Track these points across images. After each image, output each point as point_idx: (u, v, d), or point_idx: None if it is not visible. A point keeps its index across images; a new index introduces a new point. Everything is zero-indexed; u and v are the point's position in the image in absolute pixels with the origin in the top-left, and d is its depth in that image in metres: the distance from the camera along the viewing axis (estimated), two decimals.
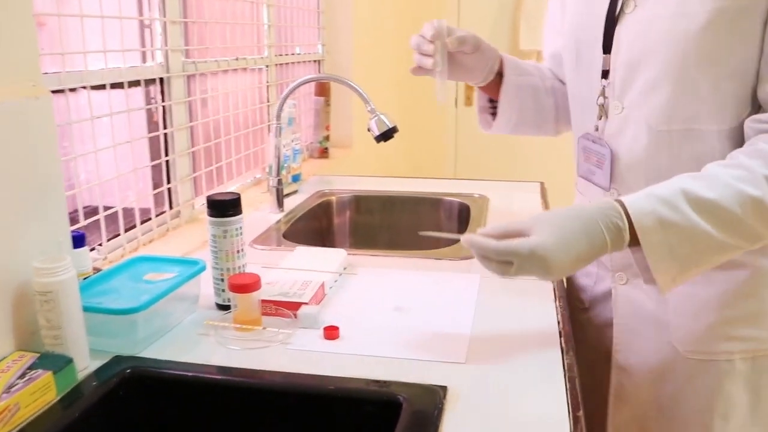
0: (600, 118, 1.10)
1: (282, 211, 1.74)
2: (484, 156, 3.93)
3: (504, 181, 2.10)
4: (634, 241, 0.88)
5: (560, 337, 1.03)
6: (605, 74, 1.08)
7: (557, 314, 1.11)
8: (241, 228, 1.09)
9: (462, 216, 1.86)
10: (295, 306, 1.06)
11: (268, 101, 2.12)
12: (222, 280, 1.10)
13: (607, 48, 1.07)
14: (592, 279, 1.24)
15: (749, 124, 0.97)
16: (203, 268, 1.09)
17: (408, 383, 0.88)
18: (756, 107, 0.98)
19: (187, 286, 1.05)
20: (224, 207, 1.07)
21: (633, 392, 1.15)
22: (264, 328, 1.02)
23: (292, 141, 2.01)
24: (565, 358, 0.97)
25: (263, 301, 1.06)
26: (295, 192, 1.95)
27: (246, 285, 1.01)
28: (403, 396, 0.84)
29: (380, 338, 1.01)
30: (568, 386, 0.89)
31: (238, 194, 1.10)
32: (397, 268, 1.31)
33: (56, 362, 0.86)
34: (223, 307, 1.11)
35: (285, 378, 0.90)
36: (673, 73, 0.99)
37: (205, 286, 1.12)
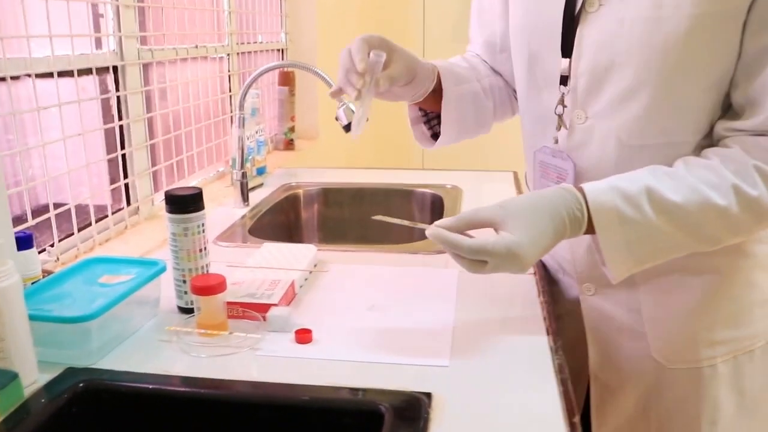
0: (559, 129, 1.00)
1: (247, 205, 1.67)
2: (452, 146, 3.85)
3: (475, 170, 2.04)
4: (592, 229, 0.88)
5: (548, 335, 0.97)
6: (564, 80, 0.97)
7: (542, 311, 1.05)
8: (203, 225, 1.01)
9: (435, 207, 1.80)
10: (263, 308, 0.99)
11: (230, 91, 2.03)
12: (184, 281, 1.02)
13: (566, 51, 0.96)
14: (559, 287, 1.18)
15: (721, 131, 0.92)
16: (163, 269, 1.01)
17: (389, 390, 0.81)
18: (725, 110, 0.93)
19: (146, 288, 0.97)
20: (184, 202, 0.99)
21: (615, 406, 1.09)
22: (230, 333, 0.94)
23: (256, 132, 1.93)
24: (555, 358, 0.90)
25: (229, 303, 0.98)
26: (260, 185, 1.87)
27: (210, 287, 0.93)
28: (385, 405, 0.77)
29: (357, 341, 0.94)
30: (561, 389, 0.83)
31: (200, 189, 1.01)
32: (370, 264, 1.25)
33: None
34: (186, 311, 1.03)
35: (254, 388, 0.83)
36: (650, 83, 0.90)
37: (166, 288, 1.03)
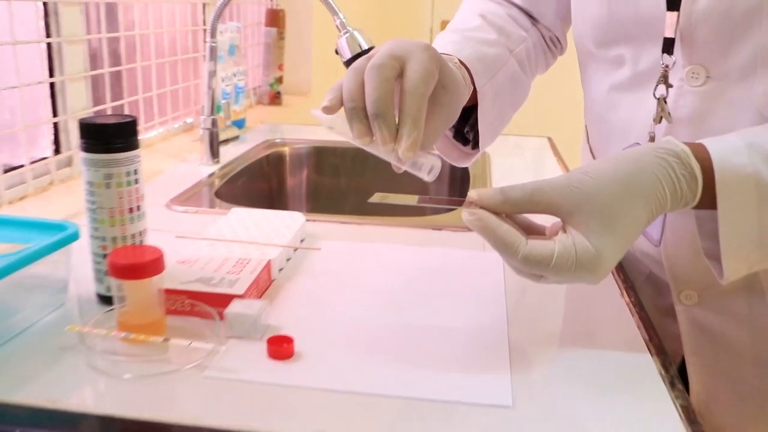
0: (659, 121, 0.73)
1: (217, 162, 1.37)
2: None
3: (505, 135, 1.73)
4: (707, 203, 0.61)
5: (651, 354, 0.67)
6: (668, 46, 0.70)
7: (633, 317, 0.75)
8: (136, 171, 0.71)
9: (456, 176, 1.53)
10: (222, 300, 0.69)
11: (204, 24, 1.71)
12: (104, 256, 0.71)
13: (674, 1, 0.69)
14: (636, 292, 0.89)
15: None
16: (74, 237, 0.71)
17: None
18: None
19: (43, 264, 0.67)
20: (106, 135, 0.68)
21: None
22: (166, 340, 0.63)
23: (235, 75, 1.63)
24: (673, 395, 0.60)
25: (168, 291, 0.69)
26: (235, 138, 1.57)
27: (136, 266, 0.63)
28: None
29: (363, 358, 0.64)
30: None
31: (132, 117, 0.71)
32: (377, 242, 0.95)
33: None
34: (109, 300, 0.72)
35: None
36: None
37: (83, 266, 0.74)
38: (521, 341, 0.68)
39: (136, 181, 0.71)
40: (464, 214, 0.59)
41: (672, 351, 0.83)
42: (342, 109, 0.63)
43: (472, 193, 0.60)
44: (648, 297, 0.88)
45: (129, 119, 0.70)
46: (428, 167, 0.62)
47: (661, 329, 0.82)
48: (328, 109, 0.62)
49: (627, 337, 0.71)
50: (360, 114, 0.61)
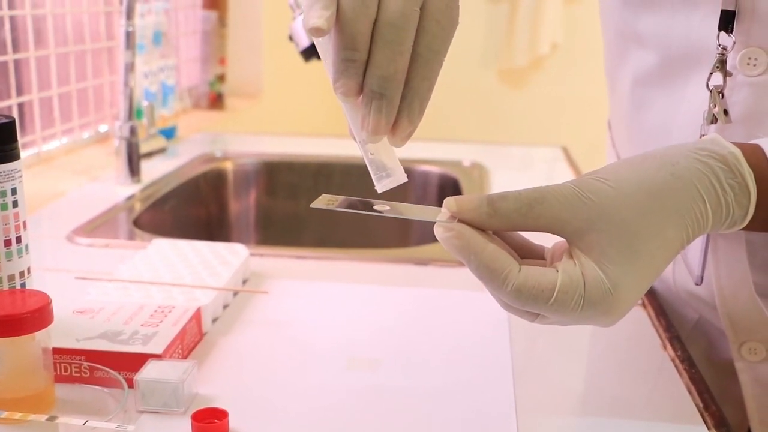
0: (713, 121, 0.75)
1: (137, 181, 1.38)
2: (468, 108, 3.68)
3: (506, 145, 1.86)
4: (761, 221, 0.62)
5: (707, 427, 0.68)
6: (728, 21, 0.71)
7: (682, 377, 0.76)
8: (15, 191, 0.71)
9: (446, 195, 1.52)
10: (133, 362, 0.70)
11: (121, 4, 1.70)
12: None
13: None
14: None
15: None
16: None
17: None
18: None
19: None
20: None
21: None
22: (53, 418, 0.62)
23: (162, 71, 1.65)
24: None
25: (59, 351, 0.69)
26: (162, 151, 1.60)
27: (13, 318, 0.62)
28: None
29: None
30: None
31: (10, 117, 0.71)
32: (342, 282, 0.99)
33: None
34: None
35: None
36: None
37: None
38: (532, 409, 0.69)
39: (15, 204, 0.71)
40: (437, 228, 0.57)
41: (735, 421, 0.85)
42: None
43: (450, 202, 0.57)
44: (700, 350, 0.89)
45: (4, 120, 0.69)
46: (392, 178, 0.59)
47: (719, 393, 0.85)
48: (319, 32, 0.56)
49: (674, 403, 0.72)
50: (359, 70, 0.57)
